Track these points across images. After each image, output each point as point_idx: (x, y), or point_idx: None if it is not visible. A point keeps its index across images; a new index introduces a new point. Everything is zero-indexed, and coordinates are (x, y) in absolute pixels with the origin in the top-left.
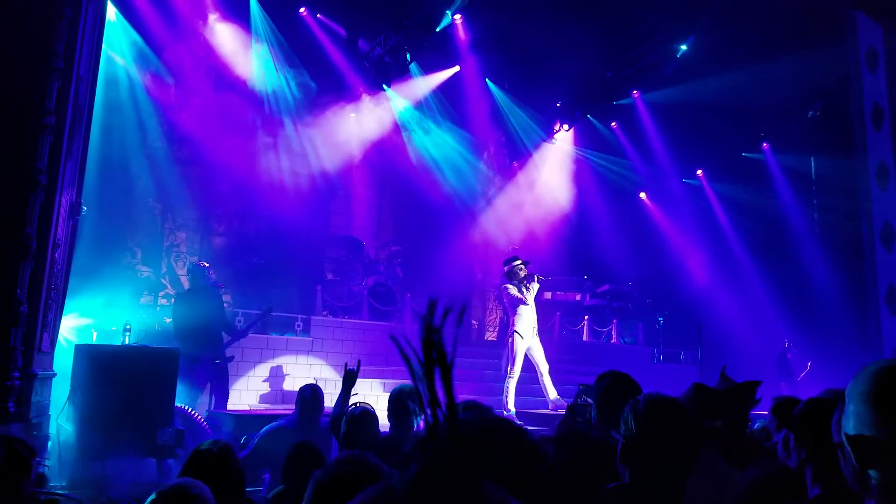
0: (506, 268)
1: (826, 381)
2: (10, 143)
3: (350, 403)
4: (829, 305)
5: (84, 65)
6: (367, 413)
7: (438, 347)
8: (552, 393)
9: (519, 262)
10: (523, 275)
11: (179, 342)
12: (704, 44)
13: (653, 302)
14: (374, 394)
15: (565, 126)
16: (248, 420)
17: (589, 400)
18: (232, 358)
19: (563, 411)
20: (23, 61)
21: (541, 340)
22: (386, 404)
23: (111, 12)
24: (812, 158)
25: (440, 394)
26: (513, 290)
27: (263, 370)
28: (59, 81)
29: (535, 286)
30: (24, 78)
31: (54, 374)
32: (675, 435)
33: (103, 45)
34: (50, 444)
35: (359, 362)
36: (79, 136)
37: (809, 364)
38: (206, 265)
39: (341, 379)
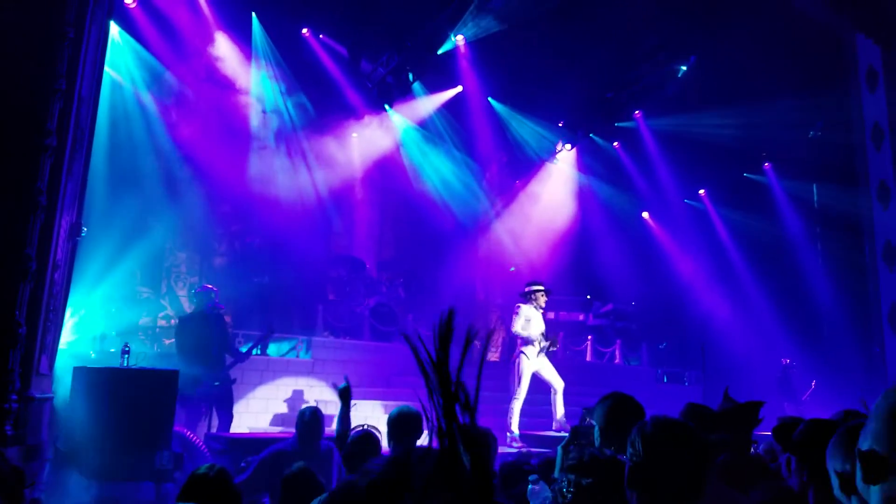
0: (526, 289)
1: (830, 401)
2: (12, 164)
3: (355, 426)
4: (833, 325)
5: (86, 85)
6: (368, 435)
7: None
8: (559, 412)
9: (541, 288)
10: (542, 302)
11: (182, 365)
12: (705, 64)
13: (656, 322)
14: (375, 415)
15: (567, 145)
16: (247, 443)
17: (593, 421)
18: (234, 381)
19: (565, 433)
20: (25, 82)
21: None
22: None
23: (115, 31)
24: (814, 177)
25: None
26: (516, 320)
27: (264, 392)
28: (60, 102)
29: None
30: (26, 98)
31: (52, 397)
32: (685, 459)
33: (105, 65)
34: (47, 467)
35: (345, 377)
36: (80, 156)
37: (814, 383)
38: (215, 290)
39: (341, 402)
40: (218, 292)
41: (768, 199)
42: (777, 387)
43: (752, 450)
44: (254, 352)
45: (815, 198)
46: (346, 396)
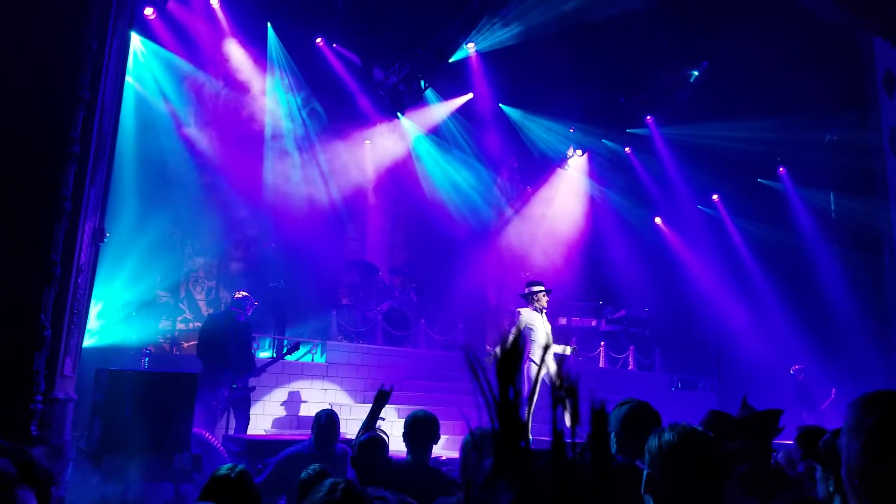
0: (526, 290)
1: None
2: (37, 171)
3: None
4: (851, 333)
5: (108, 95)
6: (376, 439)
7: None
8: (569, 420)
9: (542, 288)
10: (544, 302)
11: (203, 365)
12: (718, 69)
13: (670, 328)
14: (388, 420)
15: (579, 151)
16: (264, 445)
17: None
18: (254, 388)
19: (580, 439)
20: (50, 92)
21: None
22: (399, 429)
23: (136, 41)
24: (831, 183)
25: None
26: (527, 319)
27: (279, 395)
28: (84, 111)
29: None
30: (51, 108)
31: (76, 399)
32: (703, 468)
33: (127, 75)
34: (70, 467)
35: (391, 386)
36: (102, 164)
37: (834, 392)
38: (249, 297)
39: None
40: (252, 298)
41: (783, 204)
42: (794, 395)
43: (773, 459)
44: (271, 366)
45: (832, 204)
46: (381, 401)
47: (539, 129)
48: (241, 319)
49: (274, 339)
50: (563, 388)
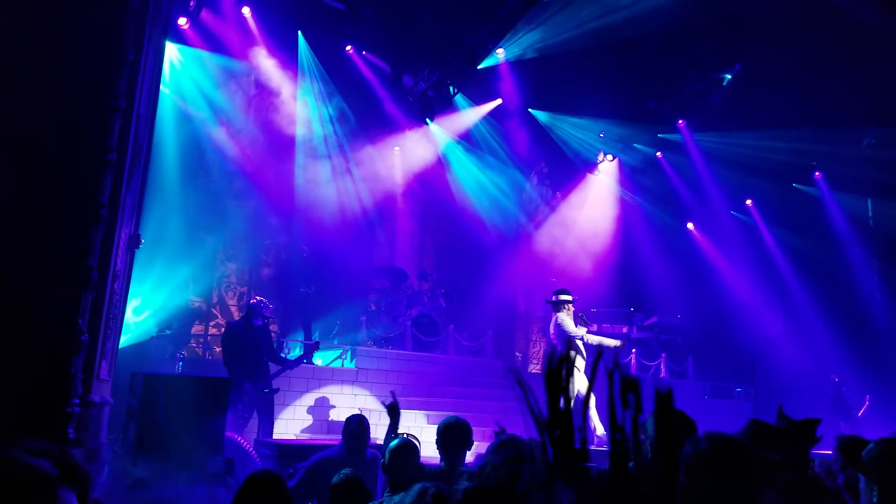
0: (554, 297)
1: (886, 419)
2: (75, 179)
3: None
4: (888, 341)
5: (144, 103)
6: (408, 445)
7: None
8: (600, 429)
9: (570, 297)
10: (571, 311)
11: (228, 371)
12: (751, 73)
13: (703, 335)
14: (417, 425)
15: (609, 156)
16: (294, 449)
17: (643, 437)
18: (277, 390)
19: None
20: (87, 100)
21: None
22: (429, 436)
23: (170, 49)
24: (868, 189)
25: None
26: (570, 324)
27: (309, 399)
28: (120, 119)
29: (599, 338)
30: (89, 116)
31: (111, 402)
32: (739, 476)
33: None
34: (106, 469)
35: (392, 393)
36: (138, 171)
37: (868, 399)
38: (264, 301)
39: (384, 411)
40: (266, 302)
41: (819, 210)
42: (829, 404)
43: (810, 469)
44: (297, 364)
45: (870, 209)
46: (394, 413)
47: (569, 134)
48: (258, 324)
49: (303, 343)
50: (627, 383)
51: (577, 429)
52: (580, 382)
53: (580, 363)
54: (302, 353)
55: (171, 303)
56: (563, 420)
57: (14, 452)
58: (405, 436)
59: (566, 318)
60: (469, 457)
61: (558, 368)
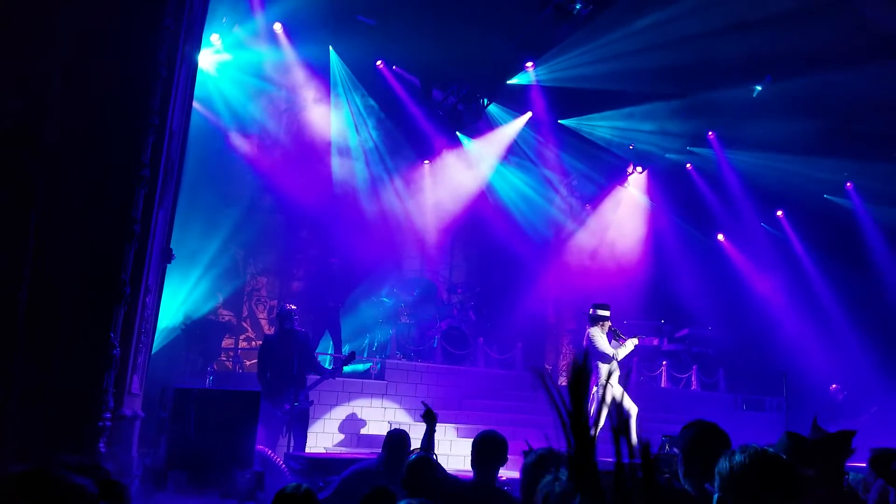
0: (591, 311)
1: None
2: (109, 194)
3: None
4: None
5: (177, 119)
6: (423, 460)
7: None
8: (634, 439)
9: (607, 313)
10: (608, 327)
11: (263, 385)
12: (781, 84)
13: (734, 347)
14: (447, 439)
15: (639, 168)
16: (326, 463)
17: (675, 450)
18: (312, 402)
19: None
20: (122, 118)
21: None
22: (459, 449)
23: (204, 65)
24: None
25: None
26: (602, 341)
27: (339, 413)
28: (153, 136)
29: (626, 349)
30: (123, 133)
31: (143, 416)
32: (776, 491)
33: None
34: (136, 483)
35: (423, 403)
36: (170, 187)
37: (874, 408)
38: (293, 307)
39: (418, 421)
40: (296, 311)
41: (851, 221)
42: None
43: (845, 482)
44: (343, 368)
45: None
46: (430, 419)
47: (597, 147)
48: (294, 329)
49: (332, 356)
50: (617, 425)
51: (593, 443)
52: (618, 394)
53: (614, 379)
54: (334, 365)
55: (200, 316)
56: (582, 432)
57: (61, 472)
58: (420, 452)
59: (598, 336)
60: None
61: (577, 378)
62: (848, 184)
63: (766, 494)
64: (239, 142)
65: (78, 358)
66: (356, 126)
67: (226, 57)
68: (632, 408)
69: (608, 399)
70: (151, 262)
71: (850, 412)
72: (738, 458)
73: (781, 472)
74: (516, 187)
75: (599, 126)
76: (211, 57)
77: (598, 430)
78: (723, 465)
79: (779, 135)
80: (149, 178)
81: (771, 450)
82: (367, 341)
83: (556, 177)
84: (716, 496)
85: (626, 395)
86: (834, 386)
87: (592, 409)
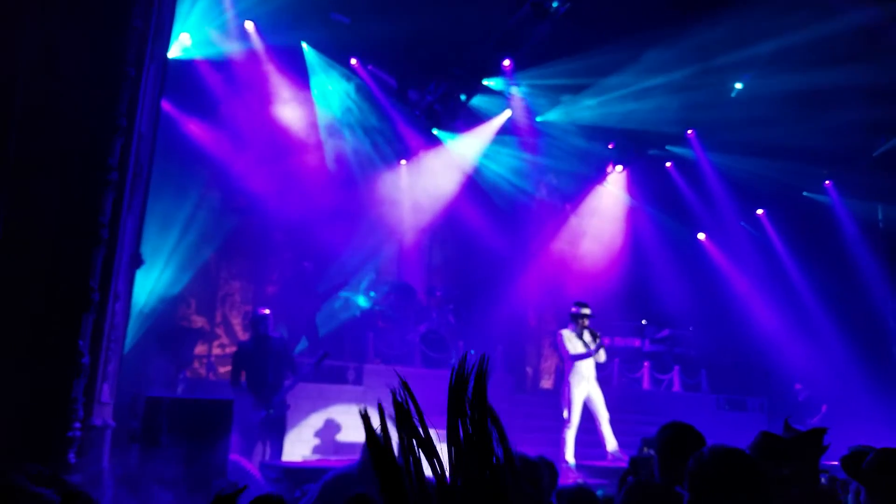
0: (573, 309)
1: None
2: (76, 198)
3: None
4: None
5: (145, 121)
6: None
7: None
8: (611, 444)
9: (587, 311)
10: (584, 325)
11: (238, 391)
12: (760, 79)
13: (716, 348)
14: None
15: (619, 167)
16: (302, 472)
17: (651, 452)
18: (288, 407)
19: (622, 464)
20: (88, 119)
21: (600, 388)
22: (441, 454)
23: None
24: (878, 196)
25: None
26: (570, 342)
27: (316, 420)
28: (122, 139)
29: (588, 339)
30: (89, 135)
31: (113, 426)
32: (747, 493)
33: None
34: (108, 494)
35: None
36: (139, 190)
37: (824, 408)
38: (267, 312)
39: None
40: (269, 315)
41: (831, 218)
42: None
43: (821, 481)
44: (308, 378)
45: (881, 219)
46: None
47: (576, 146)
48: (269, 334)
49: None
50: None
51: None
52: (593, 392)
53: (589, 373)
54: (309, 366)
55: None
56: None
57: (18, 480)
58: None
59: (568, 337)
60: None
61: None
62: (826, 182)
63: (732, 492)
64: (210, 141)
65: (46, 367)
66: (331, 123)
67: (196, 54)
68: (602, 413)
69: (576, 398)
70: (121, 268)
71: (819, 410)
72: (703, 457)
73: (744, 469)
74: (494, 187)
75: (579, 123)
76: (181, 54)
77: (574, 432)
78: (692, 466)
79: (758, 132)
80: (117, 181)
81: (740, 449)
82: (343, 345)
83: (534, 176)
84: (685, 497)
85: (600, 396)
86: (798, 386)
87: (567, 412)
